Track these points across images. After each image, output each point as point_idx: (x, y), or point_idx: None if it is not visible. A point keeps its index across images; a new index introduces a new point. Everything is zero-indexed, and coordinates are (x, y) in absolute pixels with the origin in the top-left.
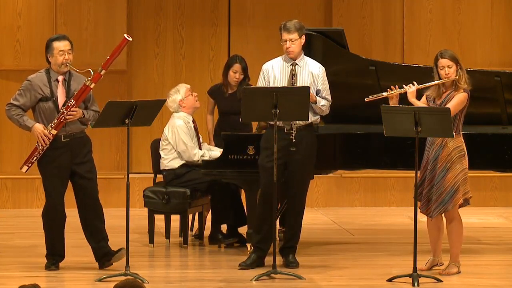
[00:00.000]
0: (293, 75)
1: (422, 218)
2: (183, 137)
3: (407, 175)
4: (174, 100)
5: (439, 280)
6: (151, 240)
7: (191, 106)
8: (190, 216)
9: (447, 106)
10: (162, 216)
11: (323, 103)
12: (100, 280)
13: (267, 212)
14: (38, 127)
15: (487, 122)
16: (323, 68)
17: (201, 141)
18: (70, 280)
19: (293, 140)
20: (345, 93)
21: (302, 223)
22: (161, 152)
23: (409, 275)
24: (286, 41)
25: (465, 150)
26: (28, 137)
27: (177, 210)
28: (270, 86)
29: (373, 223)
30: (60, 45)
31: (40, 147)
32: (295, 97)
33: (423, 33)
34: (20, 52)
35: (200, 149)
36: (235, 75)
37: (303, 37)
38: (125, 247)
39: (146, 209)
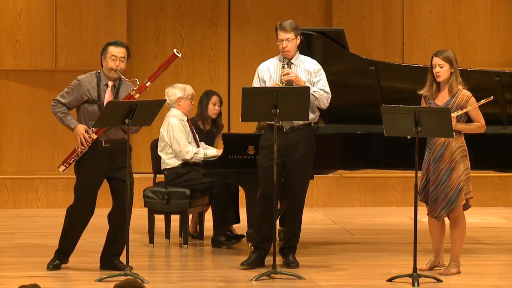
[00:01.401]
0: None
1: (422, 218)
2: (177, 135)
3: (407, 175)
4: (174, 93)
5: (439, 280)
6: (151, 240)
7: (185, 108)
8: (190, 216)
9: (481, 121)
10: (162, 216)
11: (314, 89)
12: (100, 280)
13: (267, 212)
14: (80, 128)
15: (487, 122)
16: (319, 65)
17: (198, 139)
18: (70, 280)
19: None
20: (345, 93)
21: (302, 223)
22: (160, 153)
23: (409, 275)
24: (282, 40)
25: (467, 149)
26: (28, 138)
27: (177, 210)
28: (264, 85)
29: (373, 223)
30: (114, 51)
31: (79, 149)
32: (295, 97)
33: (423, 33)
34: (20, 52)
35: (198, 146)
36: (214, 107)
37: (299, 37)
38: (130, 271)
39: (146, 209)
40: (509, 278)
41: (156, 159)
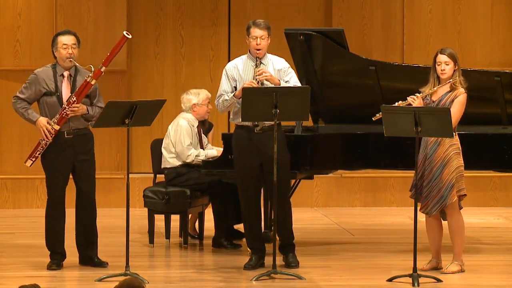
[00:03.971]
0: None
1: (422, 218)
2: (183, 137)
3: (407, 175)
4: (189, 100)
5: (439, 280)
6: (151, 240)
7: (200, 114)
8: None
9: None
10: (162, 216)
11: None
12: (100, 280)
13: (253, 214)
14: (42, 120)
15: (487, 122)
16: (287, 63)
17: (205, 143)
18: (70, 280)
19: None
20: (345, 93)
21: (302, 223)
22: (163, 150)
23: (409, 275)
24: (256, 37)
25: (460, 148)
26: (28, 138)
27: (177, 210)
28: (235, 84)
29: (373, 223)
30: (64, 39)
31: (43, 142)
32: (295, 97)
33: (423, 33)
34: (20, 52)
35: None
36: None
37: (270, 38)
38: (107, 262)
39: (146, 209)
40: (509, 278)
41: (156, 159)
